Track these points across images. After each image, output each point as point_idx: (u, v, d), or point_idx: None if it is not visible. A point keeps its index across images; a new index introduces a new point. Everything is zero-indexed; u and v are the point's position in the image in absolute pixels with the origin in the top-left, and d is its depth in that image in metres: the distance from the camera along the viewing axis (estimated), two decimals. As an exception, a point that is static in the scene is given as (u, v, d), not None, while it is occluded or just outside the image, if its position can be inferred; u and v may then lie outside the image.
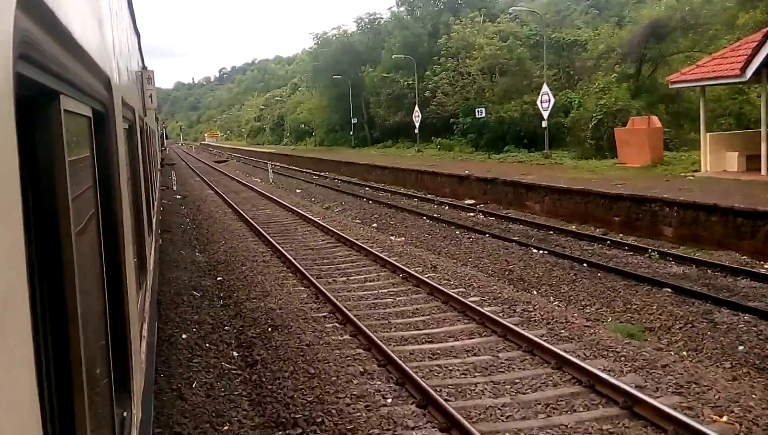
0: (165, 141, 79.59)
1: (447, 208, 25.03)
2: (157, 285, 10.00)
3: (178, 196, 36.26)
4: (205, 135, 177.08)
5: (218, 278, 15.25)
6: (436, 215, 22.91)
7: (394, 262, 14.60)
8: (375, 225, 22.39)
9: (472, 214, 23.05)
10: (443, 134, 46.73)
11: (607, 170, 24.07)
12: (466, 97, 39.08)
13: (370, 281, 13.55)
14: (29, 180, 1.35)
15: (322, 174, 45.84)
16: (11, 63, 1.05)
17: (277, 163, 62.40)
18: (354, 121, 55.98)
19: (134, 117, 5.39)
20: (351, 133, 58.67)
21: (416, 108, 43.38)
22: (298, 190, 35.80)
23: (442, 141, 42.62)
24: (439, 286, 12.04)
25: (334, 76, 58.41)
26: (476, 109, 32.69)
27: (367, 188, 34.37)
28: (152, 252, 7.40)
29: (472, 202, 25.13)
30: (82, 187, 2.04)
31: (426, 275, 13.29)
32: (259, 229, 21.08)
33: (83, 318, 1.66)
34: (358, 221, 23.53)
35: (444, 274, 13.51)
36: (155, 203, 12.24)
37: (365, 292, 12.65)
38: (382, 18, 60.42)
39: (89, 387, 1.70)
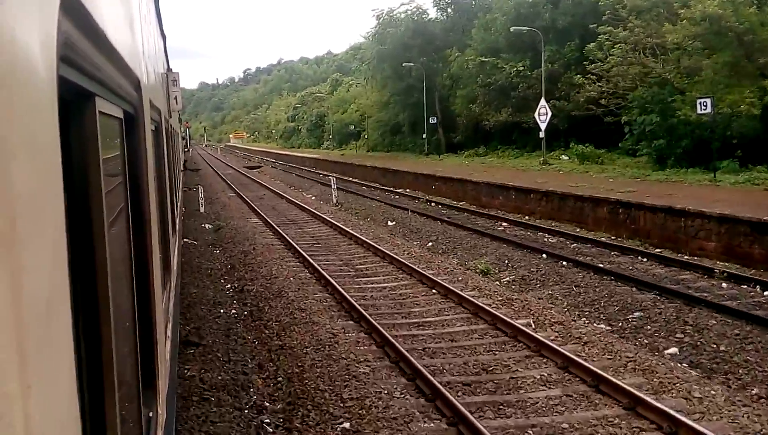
0: (189, 143, 68.17)
1: (764, 292, 12.16)
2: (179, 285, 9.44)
3: (208, 227, 23.96)
4: (231, 136, 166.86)
5: None
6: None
7: None
8: (674, 350, 9.64)
9: None
10: (569, 139, 33.92)
11: None
12: (638, 84, 26.07)
13: None
14: (67, 183, 1.30)
15: (403, 193, 33.18)
16: (55, 65, 1.04)
17: (327, 173, 49.99)
18: (433, 120, 43.05)
19: (160, 118, 5.28)
20: (423, 135, 45.93)
21: (542, 102, 30.66)
22: (390, 223, 23.23)
23: (588, 150, 29.56)
24: None
25: (404, 64, 45.72)
26: (699, 101, 19.81)
27: (504, 224, 21.61)
28: (176, 252, 7.61)
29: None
30: (114, 188, 2.05)
31: None
32: (411, 358, 8.64)
33: (115, 318, 1.66)
34: (604, 326, 10.83)
35: None
36: (178, 204, 12.36)
37: None
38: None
39: (119, 387, 1.69)
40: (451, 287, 12.58)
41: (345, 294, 12.32)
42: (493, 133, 39.58)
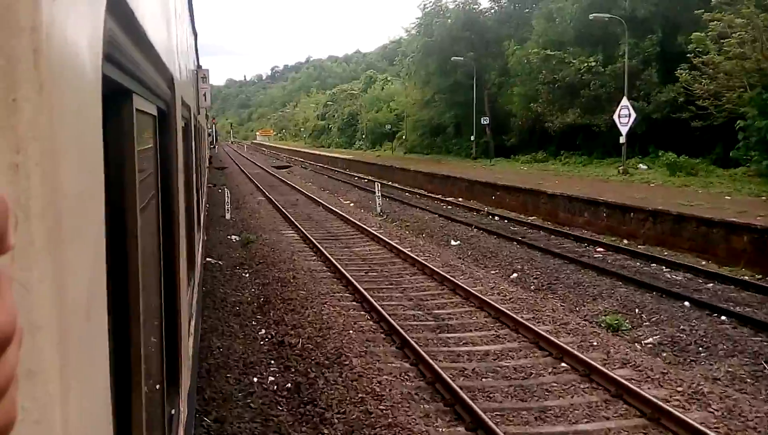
0: (215, 139, 65.04)
1: None
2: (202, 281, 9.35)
3: (235, 239, 20.34)
4: (257, 133, 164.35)
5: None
6: None
7: None
8: None
9: None
10: (647, 145, 29.60)
11: None
12: (748, 82, 21.60)
13: None
14: (106, 181, 1.33)
15: (456, 202, 29.12)
16: (100, 64, 1.04)
17: (363, 176, 46.15)
18: (485, 120, 38.76)
19: (190, 115, 5.22)
20: (472, 137, 41.66)
21: (624, 101, 26.33)
22: (453, 242, 19.24)
23: (682, 159, 25.01)
24: None
25: (453, 58, 41.52)
26: None
27: (600, 249, 17.42)
28: (200, 247, 7.66)
29: None
30: (146, 186, 2.03)
31: None
32: None
33: (144, 316, 1.66)
34: None
35: None
36: (203, 199, 12.50)
37: None
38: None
39: (146, 386, 1.67)
40: (590, 361, 8.53)
41: (436, 367, 8.34)
42: (553, 137, 35.23)
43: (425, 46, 43.83)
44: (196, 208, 6.53)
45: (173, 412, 2.58)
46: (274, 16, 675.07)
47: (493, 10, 44.26)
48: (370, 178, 44.51)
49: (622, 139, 26.83)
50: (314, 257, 16.66)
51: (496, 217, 23.88)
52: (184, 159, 3.95)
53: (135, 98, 1.63)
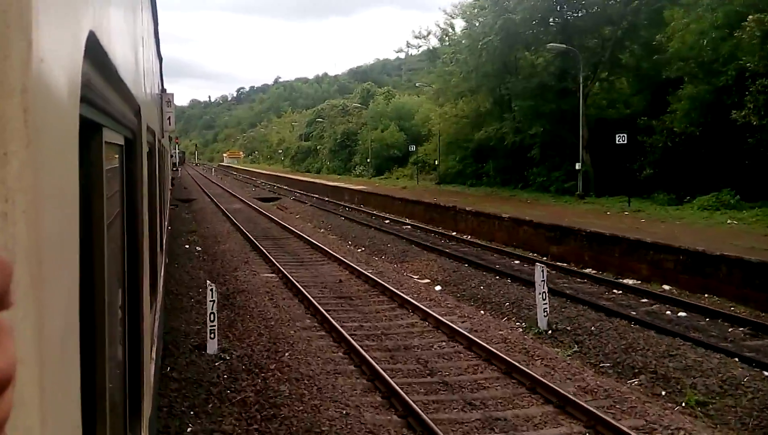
0: (179, 163, 50.10)
1: None
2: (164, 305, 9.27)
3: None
4: (224, 155, 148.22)
5: None
6: None
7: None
8: None
9: None
10: None
11: None
12: None
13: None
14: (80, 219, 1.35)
15: (671, 296, 14.51)
16: (78, 109, 1.07)
17: (398, 218, 31.29)
18: (622, 138, 23.80)
19: (154, 140, 5.32)
20: (578, 165, 27.06)
21: None
22: None
23: None
24: None
25: (550, 46, 27.33)
26: None
27: None
28: (162, 271, 7.60)
29: None
30: (113, 214, 2.04)
31: None
32: None
33: (109, 344, 1.64)
34: None
35: None
36: (165, 223, 12.20)
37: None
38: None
39: (111, 414, 1.65)
40: None
41: None
42: (736, 170, 21.06)
43: (506, 26, 29.00)
44: (159, 230, 6.34)
45: None
46: (241, 38, 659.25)
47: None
48: (413, 223, 29.63)
49: None
50: None
51: None
52: (149, 184, 3.90)
53: (104, 131, 1.64)
